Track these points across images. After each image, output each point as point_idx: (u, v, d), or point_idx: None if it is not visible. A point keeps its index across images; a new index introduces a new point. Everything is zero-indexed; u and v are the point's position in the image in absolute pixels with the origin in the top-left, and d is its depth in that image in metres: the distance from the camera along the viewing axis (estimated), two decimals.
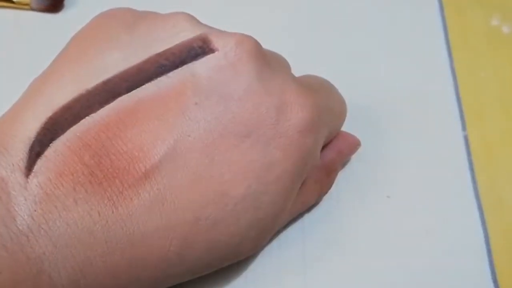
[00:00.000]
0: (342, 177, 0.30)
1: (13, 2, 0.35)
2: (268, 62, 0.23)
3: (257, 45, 0.23)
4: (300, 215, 0.28)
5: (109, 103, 0.21)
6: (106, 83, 0.21)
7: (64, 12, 0.35)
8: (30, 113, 0.21)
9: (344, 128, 0.29)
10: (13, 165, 0.19)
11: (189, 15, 0.24)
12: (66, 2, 0.35)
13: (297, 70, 0.27)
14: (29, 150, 0.20)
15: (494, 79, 0.34)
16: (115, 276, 0.20)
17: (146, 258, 0.21)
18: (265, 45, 0.25)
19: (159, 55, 0.22)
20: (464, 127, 0.32)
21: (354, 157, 0.30)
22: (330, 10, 0.36)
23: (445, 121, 0.32)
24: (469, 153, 0.31)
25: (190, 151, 0.21)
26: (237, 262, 0.25)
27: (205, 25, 0.23)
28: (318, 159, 0.25)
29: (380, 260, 0.27)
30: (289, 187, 0.23)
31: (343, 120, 0.28)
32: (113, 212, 0.20)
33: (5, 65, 0.33)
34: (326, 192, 0.29)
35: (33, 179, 0.19)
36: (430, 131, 0.32)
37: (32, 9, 0.35)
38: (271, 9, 0.37)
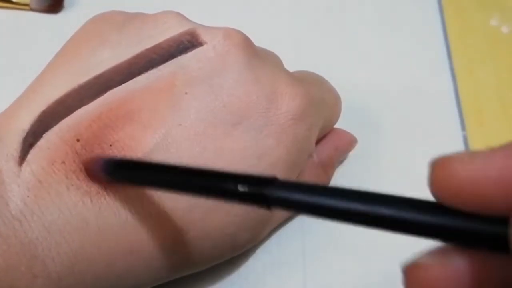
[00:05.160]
0: (341, 177, 0.29)
1: (12, 3, 0.35)
2: (257, 54, 0.23)
3: (245, 38, 0.23)
4: None
5: (101, 96, 0.21)
6: (97, 77, 0.21)
7: (64, 13, 0.36)
8: (25, 108, 0.21)
9: (343, 127, 0.29)
10: (7, 155, 0.20)
11: (177, 13, 0.24)
12: (65, 3, 0.35)
13: (295, 69, 0.27)
14: (23, 140, 0.20)
15: (493, 79, 0.34)
16: (110, 264, 0.20)
17: (141, 246, 0.20)
18: (263, 43, 0.25)
19: (148, 50, 0.22)
20: (463, 127, 0.32)
21: (353, 156, 0.30)
22: (329, 10, 0.36)
23: (445, 121, 0.32)
24: None
25: (182, 140, 0.21)
26: (236, 257, 0.25)
27: (194, 22, 0.23)
28: (313, 148, 0.25)
29: (379, 258, 0.27)
30: (283, 175, 0.23)
31: (338, 113, 0.28)
32: (105, 199, 0.20)
33: (4, 65, 0.33)
34: None
35: (26, 168, 0.19)
36: (430, 131, 0.32)
37: (32, 10, 0.35)
38: (269, 7, 0.37)
